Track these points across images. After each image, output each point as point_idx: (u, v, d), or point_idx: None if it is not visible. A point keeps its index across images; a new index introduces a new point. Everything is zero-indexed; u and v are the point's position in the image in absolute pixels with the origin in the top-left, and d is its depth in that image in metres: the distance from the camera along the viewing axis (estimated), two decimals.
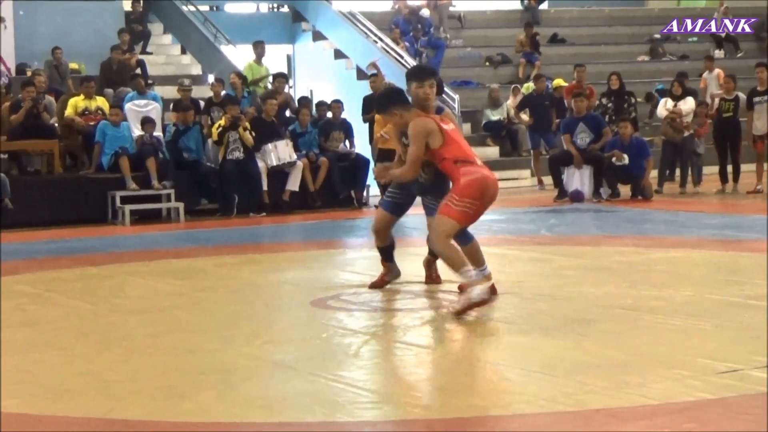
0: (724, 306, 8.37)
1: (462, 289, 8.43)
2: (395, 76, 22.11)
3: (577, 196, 17.99)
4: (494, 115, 23.69)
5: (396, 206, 9.30)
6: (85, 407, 5.95)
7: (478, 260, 8.80)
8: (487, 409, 5.70)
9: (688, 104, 19.39)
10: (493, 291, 8.82)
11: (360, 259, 12.01)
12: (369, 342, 7.55)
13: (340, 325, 8.22)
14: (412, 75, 8.96)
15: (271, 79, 20.81)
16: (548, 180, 19.79)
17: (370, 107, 18.51)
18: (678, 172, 19.41)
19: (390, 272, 9.65)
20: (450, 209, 8.30)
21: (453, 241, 8.43)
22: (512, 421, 5.49)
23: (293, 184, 18.02)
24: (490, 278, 8.87)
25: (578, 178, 18.23)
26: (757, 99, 18.46)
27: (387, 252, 9.61)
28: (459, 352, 7.21)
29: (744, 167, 19.09)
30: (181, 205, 17.26)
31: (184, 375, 6.65)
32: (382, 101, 8.91)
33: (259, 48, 21.51)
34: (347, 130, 19.38)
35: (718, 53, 28.86)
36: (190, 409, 5.86)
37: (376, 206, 18.44)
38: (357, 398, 6.04)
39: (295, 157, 17.96)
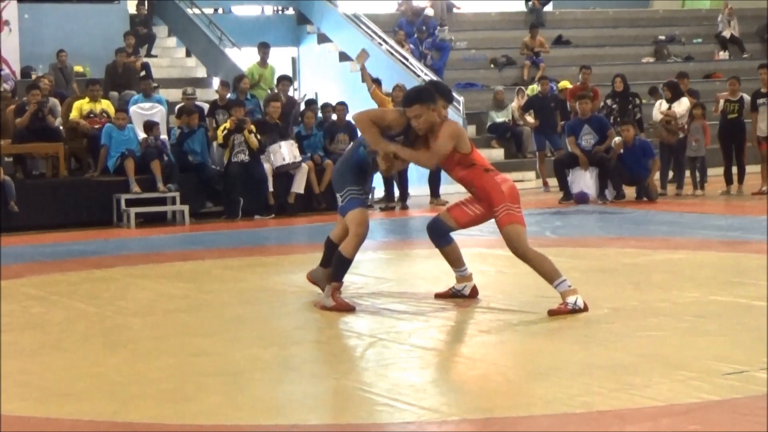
0: (729, 307, 8.38)
1: (439, 296, 9.08)
2: (400, 78, 22.15)
3: (582, 198, 17.98)
4: (499, 117, 23.70)
5: (365, 203, 9.09)
6: (90, 410, 5.96)
7: (459, 261, 9.02)
8: (493, 411, 5.71)
9: (682, 106, 19.34)
10: (474, 292, 9.00)
11: (365, 261, 11.99)
12: (374, 344, 7.55)
13: (346, 328, 8.23)
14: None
15: (275, 81, 20.83)
16: (553, 182, 19.79)
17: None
18: (685, 174, 19.39)
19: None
20: (515, 216, 8.49)
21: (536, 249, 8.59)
22: (517, 423, 5.50)
23: (298, 186, 18.03)
24: (471, 278, 9.08)
25: (583, 180, 18.23)
26: (760, 101, 18.45)
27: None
28: (464, 354, 7.22)
29: (749, 168, 19.09)
30: (186, 208, 17.26)
31: (189, 378, 6.66)
32: (429, 92, 8.59)
33: (263, 50, 21.51)
34: (352, 132, 19.38)
35: (723, 54, 28.85)
36: (196, 412, 5.87)
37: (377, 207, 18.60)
38: (363, 401, 6.04)
39: (300, 159, 17.97)
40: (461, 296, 9.00)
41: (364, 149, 8.85)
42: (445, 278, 9.67)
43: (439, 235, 8.94)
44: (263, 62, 21.39)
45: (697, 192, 18.89)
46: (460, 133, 8.58)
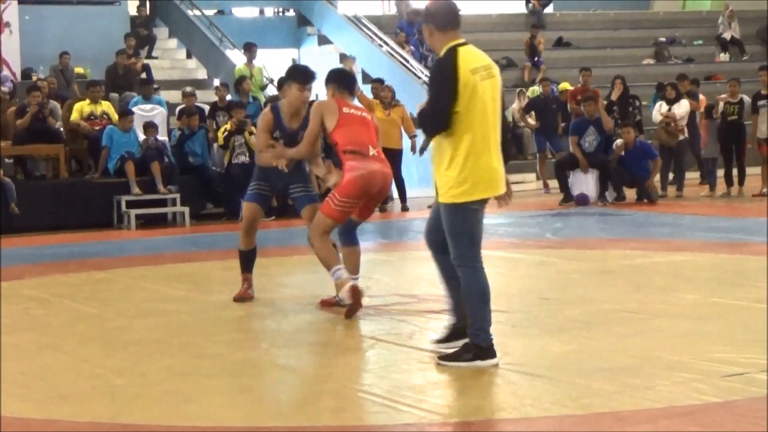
0: (730, 309, 8.38)
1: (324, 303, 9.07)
2: (400, 80, 22.16)
3: (582, 200, 17.99)
4: None
5: (261, 197, 9.33)
6: (91, 411, 5.97)
7: (356, 269, 8.95)
8: (493, 413, 5.71)
9: (682, 108, 19.34)
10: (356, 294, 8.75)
11: (365, 262, 11.95)
12: (374, 346, 7.56)
13: (346, 329, 8.23)
14: (297, 76, 9.14)
15: (264, 81, 20.99)
16: (554, 183, 19.79)
17: None
18: (685, 176, 19.40)
19: (251, 285, 9.57)
20: (330, 208, 8.53)
21: (329, 239, 8.67)
22: (518, 425, 5.50)
23: None
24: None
25: (584, 182, 18.23)
26: (761, 102, 18.41)
27: (251, 259, 9.53)
28: None
29: (749, 170, 19.08)
30: (186, 210, 17.27)
31: (190, 379, 6.66)
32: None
33: (249, 50, 21.63)
34: None
35: (724, 56, 28.83)
36: (197, 414, 5.88)
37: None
38: (363, 402, 6.05)
39: None
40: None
41: None
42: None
43: (347, 232, 8.97)
44: (250, 62, 21.49)
45: (711, 193, 18.91)
46: (321, 110, 8.67)
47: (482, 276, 6.70)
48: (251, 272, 9.56)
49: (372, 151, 8.65)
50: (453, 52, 6.62)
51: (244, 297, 9.43)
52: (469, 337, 6.72)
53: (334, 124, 8.60)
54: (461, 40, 6.70)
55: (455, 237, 6.67)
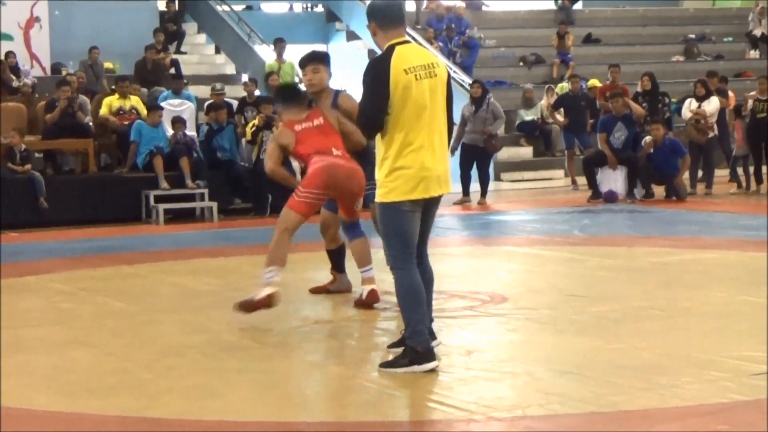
0: (758, 308, 8.33)
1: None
2: None
3: (610, 197, 17.92)
4: (528, 116, 23.64)
5: (333, 205, 9.27)
6: (119, 405, 5.98)
7: (362, 260, 8.95)
8: (520, 410, 5.70)
9: (712, 105, 19.23)
10: (374, 297, 8.82)
11: None
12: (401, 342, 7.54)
13: (374, 326, 8.24)
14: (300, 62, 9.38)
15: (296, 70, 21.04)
16: (582, 180, 19.73)
17: None
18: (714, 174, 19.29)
19: (336, 282, 9.60)
20: (293, 201, 8.44)
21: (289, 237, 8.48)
22: (545, 422, 5.49)
23: None
24: (373, 281, 8.91)
25: (612, 179, 18.16)
26: None
27: (336, 258, 9.55)
28: (491, 353, 7.21)
29: None
30: (214, 205, 17.29)
31: (217, 374, 6.67)
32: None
33: (278, 46, 21.70)
34: None
35: (754, 53, 28.68)
36: (224, 408, 5.89)
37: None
38: (389, 398, 6.05)
39: None
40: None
41: None
42: (473, 276, 9.64)
43: (350, 228, 9.08)
44: (279, 57, 21.55)
45: (740, 191, 18.83)
46: (278, 140, 8.83)
47: (416, 278, 6.61)
48: (339, 270, 9.55)
49: (336, 152, 8.66)
50: (388, 52, 6.54)
51: (320, 290, 9.56)
52: (406, 342, 6.64)
53: (293, 145, 8.70)
54: (402, 39, 6.61)
55: (386, 237, 6.63)
